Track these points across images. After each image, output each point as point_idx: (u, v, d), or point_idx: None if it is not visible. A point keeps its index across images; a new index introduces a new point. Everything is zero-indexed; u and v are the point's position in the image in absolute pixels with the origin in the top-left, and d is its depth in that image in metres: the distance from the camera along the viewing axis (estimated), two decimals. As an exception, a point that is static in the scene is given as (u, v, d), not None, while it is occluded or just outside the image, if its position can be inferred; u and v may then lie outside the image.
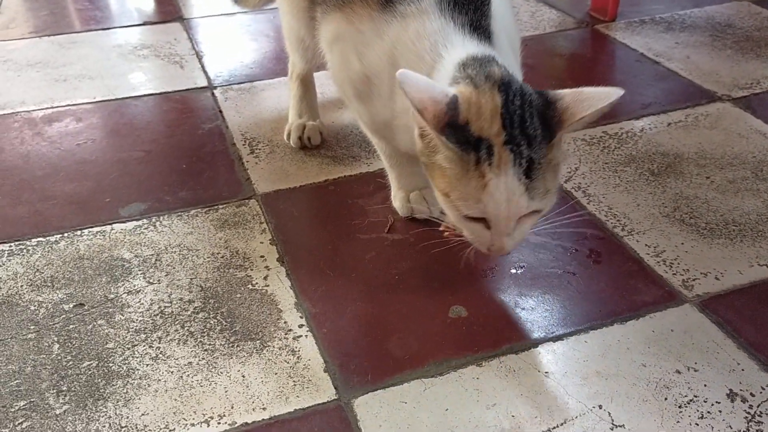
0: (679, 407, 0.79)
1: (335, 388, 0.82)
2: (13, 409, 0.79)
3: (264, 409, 0.80)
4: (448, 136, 0.78)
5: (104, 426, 0.78)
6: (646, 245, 1.03)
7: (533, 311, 0.93)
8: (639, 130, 1.31)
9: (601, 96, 0.79)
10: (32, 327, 0.91)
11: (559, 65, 1.61)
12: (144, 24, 1.82)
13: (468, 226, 0.83)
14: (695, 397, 0.80)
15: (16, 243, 1.06)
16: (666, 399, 0.80)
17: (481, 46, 0.88)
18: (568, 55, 1.64)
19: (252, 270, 1.00)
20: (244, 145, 1.30)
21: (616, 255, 1.02)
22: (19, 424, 0.78)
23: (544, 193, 0.80)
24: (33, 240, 1.06)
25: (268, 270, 1.00)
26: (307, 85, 1.33)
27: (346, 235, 1.07)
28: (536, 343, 0.88)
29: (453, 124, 0.78)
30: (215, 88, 1.50)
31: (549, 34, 1.71)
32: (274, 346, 0.88)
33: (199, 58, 1.63)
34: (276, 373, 0.84)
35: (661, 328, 0.89)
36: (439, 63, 0.87)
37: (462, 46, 0.87)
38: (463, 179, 0.79)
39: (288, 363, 0.86)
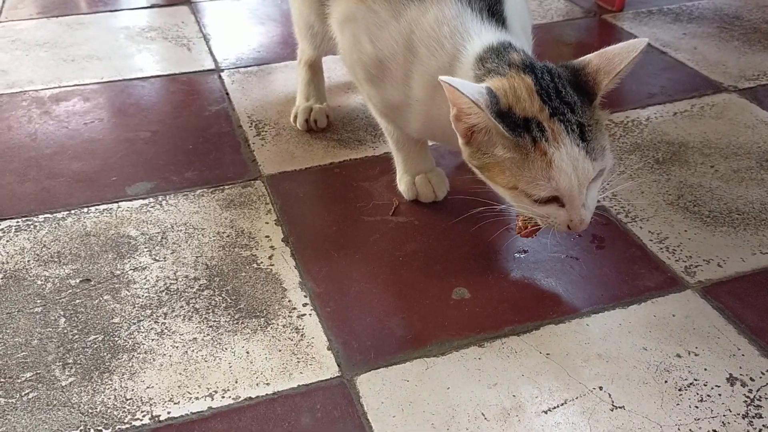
0: (679, 390, 0.80)
1: (338, 365, 0.83)
2: (19, 380, 0.80)
3: (267, 384, 0.81)
4: (501, 123, 0.79)
5: (109, 398, 0.79)
6: (649, 232, 1.04)
7: (535, 294, 0.93)
8: (645, 119, 1.31)
9: (629, 49, 0.83)
10: (39, 301, 0.91)
11: (566, 54, 1.61)
12: (152, 6, 1.82)
13: (543, 211, 0.84)
14: (695, 380, 0.81)
15: (24, 219, 1.06)
16: (666, 382, 0.81)
17: (498, 33, 0.89)
18: (575, 44, 1.64)
19: (257, 249, 1.01)
20: (250, 127, 1.30)
21: (620, 241, 1.03)
22: (25, 394, 0.79)
23: (602, 152, 0.83)
24: (40, 216, 1.07)
25: (273, 250, 1.01)
26: (315, 69, 1.33)
27: (351, 217, 1.07)
28: (538, 325, 0.88)
29: (499, 113, 0.79)
30: (222, 70, 1.50)
31: (556, 23, 1.71)
32: (278, 324, 0.89)
33: (207, 41, 1.63)
34: (280, 350, 0.85)
35: (663, 313, 0.90)
36: (460, 55, 0.88)
37: (479, 36, 0.88)
38: (526, 163, 0.80)
39: (292, 340, 0.86)
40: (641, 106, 1.35)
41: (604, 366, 0.83)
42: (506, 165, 0.82)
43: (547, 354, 0.84)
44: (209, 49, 1.60)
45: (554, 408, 0.78)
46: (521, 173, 0.81)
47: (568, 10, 1.77)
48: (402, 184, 1.11)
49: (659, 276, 0.96)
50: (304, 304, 0.92)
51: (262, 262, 0.99)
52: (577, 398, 0.79)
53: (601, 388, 0.80)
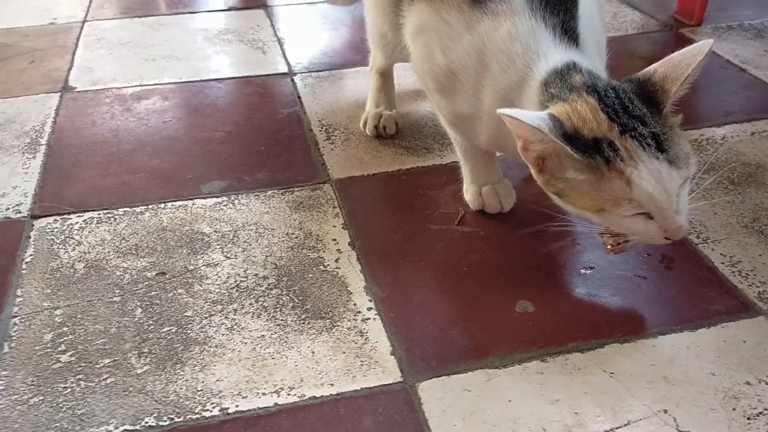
0: (748, 419, 0.78)
1: (401, 371, 0.84)
2: (98, 366, 0.85)
3: (332, 385, 0.82)
4: (568, 144, 0.79)
5: (181, 388, 0.82)
6: (721, 254, 1.01)
7: (601, 312, 0.93)
8: (720, 137, 1.28)
9: (694, 52, 0.81)
10: (117, 291, 0.96)
11: (639, 68, 1.56)
12: (229, 9, 1.88)
13: (634, 227, 0.83)
14: (765, 410, 0.79)
15: (105, 211, 1.12)
16: (734, 409, 0.79)
17: (567, 52, 0.89)
18: (649, 58, 1.61)
19: (324, 252, 1.03)
20: (320, 131, 1.33)
21: (690, 262, 1.01)
22: (103, 379, 0.83)
23: (685, 158, 0.81)
24: (120, 209, 1.12)
25: (340, 253, 1.03)
26: (386, 77, 1.35)
27: (417, 225, 1.09)
28: (603, 343, 0.88)
29: (564, 135, 0.79)
30: (295, 74, 1.54)
31: (631, 36, 1.69)
32: (343, 326, 0.91)
33: (281, 44, 1.68)
34: (344, 352, 0.87)
35: (733, 339, 0.88)
36: (528, 77, 0.88)
37: (547, 57, 0.88)
38: (602, 183, 0.80)
39: (356, 343, 0.88)
40: (717, 124, 1.32)
41: (670, 389, 0.81)
42: (583, 188, 0.81)
43: (612, 373, 0.83)
44: (283, 52, 1.64)
45: (617, 428, 0.77)
46: (600, 194, 0.81)
47: (643, 23, 1.74)
48: (468, 194, 1.11)
49: (730, 300, 0.94)
50: (369, 308, 0.94)
51: (328, 265, 1.01)
52: (640, 420, 0.78)
53: (665, 412, 0.79)
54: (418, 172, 1.21)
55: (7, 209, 1.11)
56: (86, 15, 1.83)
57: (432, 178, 1.19)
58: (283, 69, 1.56)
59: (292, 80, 1.52)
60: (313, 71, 1.55)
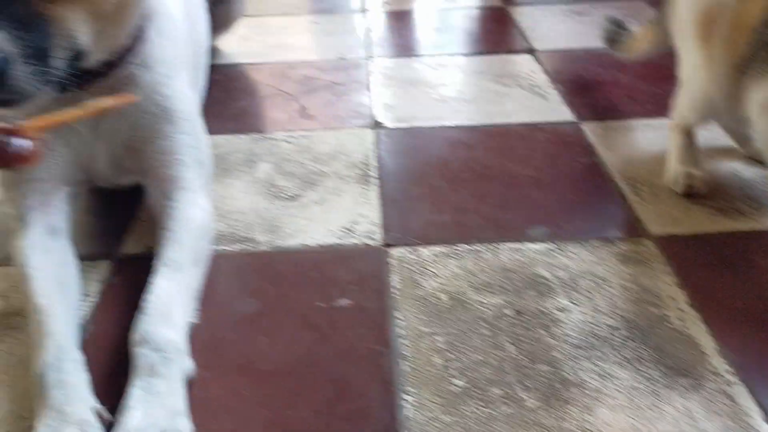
0: None
1: (782, 440, 0.88)
2: (491, 394, 0.94)
3: (719, 445, 0.87)
4: None
5: (575, 428, 0.90)
6: None
7: None
8: None
9: None
10: (484, 324, 1.06)
11: None
12: (495, 53, 1.99)
13: None
14: None
15: (446, 246, 1.23)
16: None
17: None
18: None
19: (666, 309, 1.08)
20: (624, 183, 1.39)
21: None
22: (501, 408, 0.92)
23: None
24: (459, 245, 1.23)
25: (682, 312, 1.08)
26: (692, 136, 1.38)
27: (759, 291, 1.11)
28: None
29: None
30: (582, 122, 1.61)
31: None
32: (708, 387, 0.95)
33: (559, 90, 1.75)
34: (719, 414, 0.91)
35: None
36: None
37: None
38: None
39: (726, 406, 0.92)
40: None
41: None
42: None
43: None
44: (564, 99, 1.71)
45: None
46: None
47: None
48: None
49: None
50: (727, 371, 0.97)
51: (674, 323, 1.06)
52: None
53: None
54: (739, 236, 1.23)
55: (364, 236, 1.26)
56: (367, 53, 2.01)
57: (756, 243, 1.21)
58: (569, 117, 1.64)
59: (580, 128, 1.59)
60: (600, 119, 1.61)
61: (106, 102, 0.89)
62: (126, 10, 0.98)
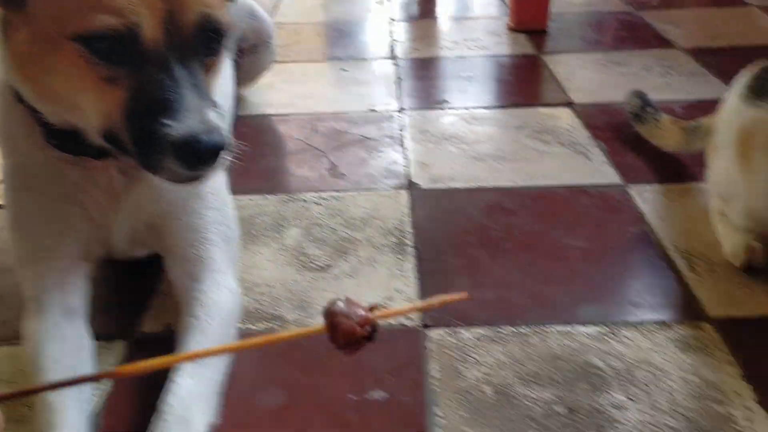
0: None
1: None
2: None
3: None
4: None
5: None
6: None
7: None
8: None
9: None
10: (533, 424, 0.97)
11: None
12: (530, 105, 1.92)
13: None
14: None
15: (489, 327, 1.14)
16: None
17: None
18: None
19: (730, 407, 0.98)
20: (678, 256, 1.29)
21: None
22: None
23: None
24: (504, 327, 1.14)
25: (750, 411, 0.98)
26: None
27: (832, 389, 1.01)
28: None
29: None
30: (629, 185, 1.52)
31: None
32: (789, 508, 0.85)
33: (602, 149, 1.67)
34: None
35: None
36: None
37: None
38: None
39: None
40: None
41: None
42: None
43: None
44: (608, 159, 1.63)
45: None
46: None
47: None
48: None
49: None
50: (809, 488, 0.87)
51: (742, 424, 0.96)
52: None
53: None
54: (809, 320, 1.14)
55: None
56: (399, 104, 1.95)
57: (828, 330, 1.11)
58: (615, 179, 1.55)
59: (627, 192, 1.50)
60: (646, 183, 1.53)
61: (441, 298, 0.71)
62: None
